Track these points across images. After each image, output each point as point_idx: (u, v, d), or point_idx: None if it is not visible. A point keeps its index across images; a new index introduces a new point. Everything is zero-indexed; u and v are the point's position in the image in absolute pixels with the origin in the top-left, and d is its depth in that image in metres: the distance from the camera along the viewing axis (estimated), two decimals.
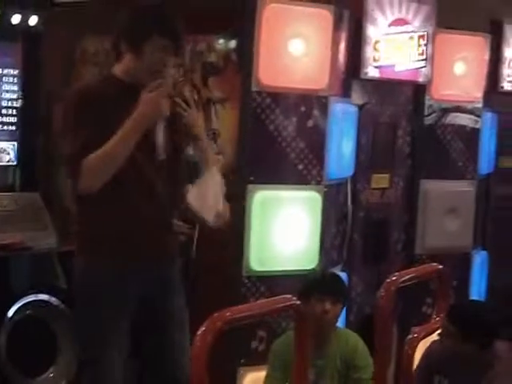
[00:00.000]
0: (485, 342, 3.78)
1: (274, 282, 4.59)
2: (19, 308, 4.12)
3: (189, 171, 3.59)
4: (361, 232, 5.32)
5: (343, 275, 5.11)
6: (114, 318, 3.43)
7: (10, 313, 4.10)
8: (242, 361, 4.61)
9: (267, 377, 4.21)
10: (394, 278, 3.39)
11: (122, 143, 3.30)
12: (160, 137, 3.41)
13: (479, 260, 6.12)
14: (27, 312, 4.17)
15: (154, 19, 3.43)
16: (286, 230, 4.63)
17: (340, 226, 5.09)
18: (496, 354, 3.82)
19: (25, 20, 4.42)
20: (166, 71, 3.44)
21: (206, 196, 3.53)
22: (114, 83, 3.47)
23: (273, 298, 3.00)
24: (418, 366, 3.86)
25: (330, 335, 4.14)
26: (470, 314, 3.81)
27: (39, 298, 4.20)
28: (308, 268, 4.70)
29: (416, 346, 3.49)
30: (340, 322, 4.93)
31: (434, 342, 3.91)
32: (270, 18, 4.50)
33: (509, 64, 6.10)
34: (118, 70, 3.50)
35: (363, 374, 4.03)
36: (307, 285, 4.10)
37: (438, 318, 3.69)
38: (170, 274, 3.64)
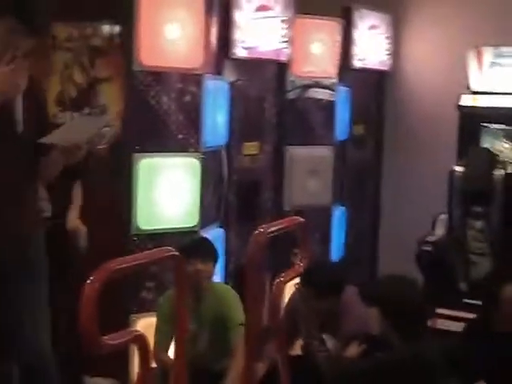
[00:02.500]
0: (335, 295, 3.88)
1: (160, 238, 4.52)
2: None
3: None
4: (235, 193, 5.32)
5: (221, 231, 5.12)
6: None
7: None
8: (134, 309, 4.55)
9: (156, 329, 4.18)
10: (261, 230, 3.36)
11: None
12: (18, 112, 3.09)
13: (338, 214, 6.21)
14: None
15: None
16: (169, 192, 4.59)
17: (217, 188, 5.07)
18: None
19: None
20: (16, 53, 3.06)
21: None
22: None
23: (155, 250, 2.96)
24: (285, 310, 3.88)
25: (205, 290, 4.12)
26: (322, 277, 3.88)
27: None
28: (190, 225, 4.68)
29: (282, 289, 3.47)
30: (219, 274, 4.95)
31: (295, 292, 3.98)
32: (147, 4, 4.42)
33: (358, 45, 6.17)
34: None
35: (235, 320, 4.04)
36: (182, 249, 4.00)
37: (301, 264, 3.70)
38: (26, 259, 3.22)
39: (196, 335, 4.12)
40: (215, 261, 4.19)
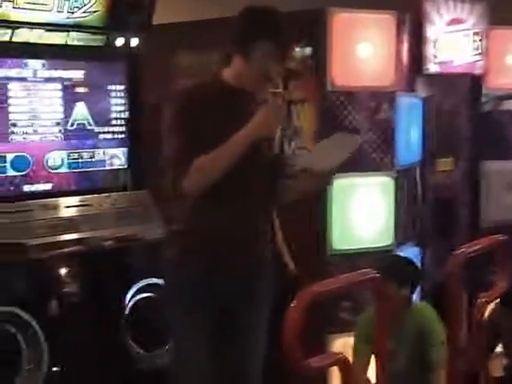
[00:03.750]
0: None
1: (355, 258, 4.55)
2: (136, 290, 4.17)
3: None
4: (431, 210, 5.26)
5: (416, 250, 5.08)
6: (194, 319, 3.10)
7: (129, 295, 4.15)
8: (332, 329, 4.59)
9: (354, 348, 4.20)
10: (461, 251, 3.34)
11: (233, 150, 2.94)
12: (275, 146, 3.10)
13: None
14: (143, 294, 4.22)
15: (263, 23, 3.06)
16: (363, 212, 4.61)
17: (411, 206, 5.04)
18: None
19: (127, 42, 4.47)
20: (274, 78, 3.12)
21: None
22: (221, 86, 3.10)
23: (355, 273, 2.98)
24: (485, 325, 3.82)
25: (403, 312, 4.09)
26: None
27: (152, 281, 4.22)
28: (385, 245, 4.68)
29: (484, 309, 3.43)
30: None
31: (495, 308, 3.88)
32: (339, 26, 4.48)
33: None
34: (226, 73, 3.13)
35: (436, 338, 3.99)
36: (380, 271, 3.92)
37: (501, 284, 3.63)
38: (257, 288, 3.18)
39: (395, 354, 4.11)
40: (413, 284, 4.14)
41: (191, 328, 3.11)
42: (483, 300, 3.45)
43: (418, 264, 4.98)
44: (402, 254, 4.61)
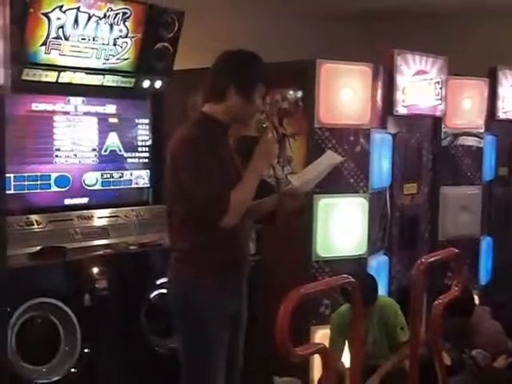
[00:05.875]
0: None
1: (335, 264, 4.58)
2: (155, 286, 4.15)
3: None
4: (397, 226, 5.27)
5: (385, 258, 5.09)
6: (219, 333, 2.94)
7: (151, 295, 4.16)
8: (313, 321, 4.61)
9: (330, 338, 4.21)
10: (423, 260, 3.34)
11: (255, 182, 2.85)
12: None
13: (486, 243, 6.02)
14: (160, 290, 4.20)
15: (261, 69, 2.93)
16: (342, 226, 4.63)
17: (382, 222, 5.05)
18: None
19: (152, 84, 4.50)
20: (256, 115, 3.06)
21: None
22: (213, 124, 2.91)
23: (335, 277, 2.99)
24: None
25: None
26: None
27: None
28: (359, 253, 4.69)
29: (441, 310, 3.42)
30: (383, 292, 4.91)
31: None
32: (325, 74, 4.51)
33: (502, 99, 5.99)
34: (216, 110, 2.92)
35: (397, 326, 4.09)
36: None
37: (456, 288, 3.62)
38: (244, 286, 3.10)
39: (364, 338, 4.13)
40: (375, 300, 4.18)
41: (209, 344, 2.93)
42: (439, 301, 3.43)
43: (387, 269, 5.03)
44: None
